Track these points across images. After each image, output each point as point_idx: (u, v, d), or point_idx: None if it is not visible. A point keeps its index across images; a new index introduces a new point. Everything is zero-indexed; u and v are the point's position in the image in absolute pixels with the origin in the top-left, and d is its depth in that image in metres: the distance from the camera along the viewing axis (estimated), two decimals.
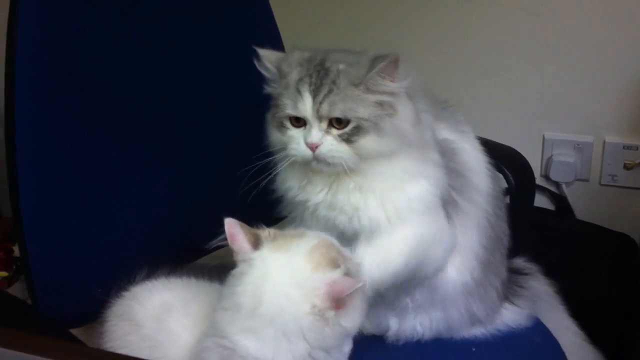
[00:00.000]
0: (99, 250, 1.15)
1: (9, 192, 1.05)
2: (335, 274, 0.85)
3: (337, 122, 0.96)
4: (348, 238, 1.01)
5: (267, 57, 1.02)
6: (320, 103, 0.94)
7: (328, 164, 0.97)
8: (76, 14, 1.13)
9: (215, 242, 1.07)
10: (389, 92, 0.96)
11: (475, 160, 1.12)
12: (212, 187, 1.29)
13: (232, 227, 0.90)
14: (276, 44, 1.39)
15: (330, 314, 0.83)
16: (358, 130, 0.95)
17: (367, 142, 0.95)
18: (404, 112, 0.98)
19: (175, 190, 1.27)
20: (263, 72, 1.02)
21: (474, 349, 1.16)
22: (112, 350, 0.99)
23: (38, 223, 1.07)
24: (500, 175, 1.31)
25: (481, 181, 1.11)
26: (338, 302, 0.83)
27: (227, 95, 1.32)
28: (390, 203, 0.99)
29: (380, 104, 0.96)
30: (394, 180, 0.99)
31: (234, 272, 0.90)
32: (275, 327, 0.83)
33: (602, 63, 1.74)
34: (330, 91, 0.94)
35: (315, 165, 0.98)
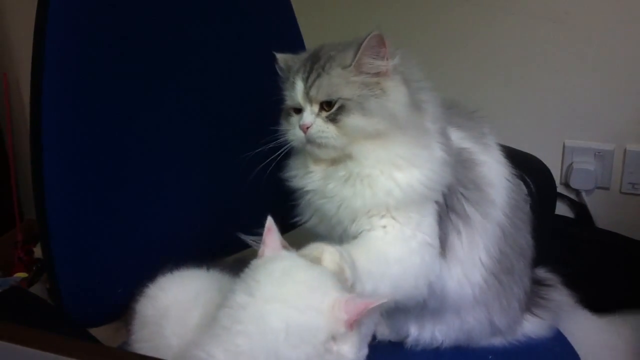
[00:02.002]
0: (122, 252, 1.16)
1: (33, 195, 1.07)
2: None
3: (327, 105, 1.00)
4: (333, 225, 1.04)
5: (281, 59, 1.09)
6: (310, 87, 1.00)
7: (319, 145, 1.01)
8: (104, 19, 1.14)
9: (247, 237, 1.11)
10: (376, 72, 1.00)
11: (495, 174, 1.11)
12: (234, 192, 1.30)
13: (272, 224, 0.93)
14: (299, 46, 1.40)
15: (341, 331, 0.82)
16: (342, 109, 0.99)
17: (351, 120, 0.98)
18: (394, 93, 1.01)
19: (197, 194, 1.28)
20: (280, 73, 1.09)
21: (490, 357, 1.16)
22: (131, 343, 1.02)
23: (63, 225, 1.08)
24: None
25: (499, 196, 1.10)
26: (354, 318, 0.82)
27: (253, 99, 1.33)
28: (373, 192, 1.00)
29: (366, 84, 0.99)
30: (384, 165, 1.00)
31: (256, 262, 0.90)
32: (283, 319, 0.80)
33: (623, 71, 1.73)
34: (318, 75, 1.00)
35: (309, 148, 1.02)
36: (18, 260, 2.21)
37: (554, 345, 1.21)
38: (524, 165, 1.33)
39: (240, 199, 1.28)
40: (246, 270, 0.90)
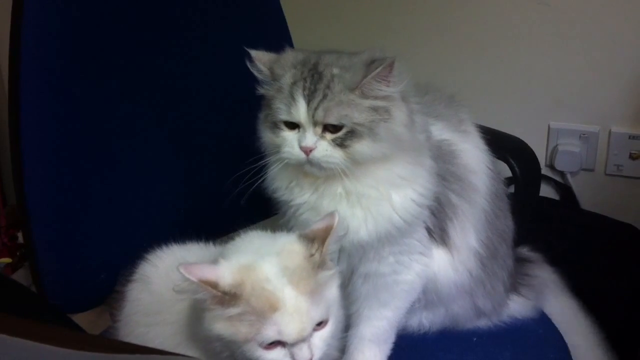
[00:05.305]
0: (103, 237, 1.15)
1: (13, 180, 1.06)
2: None
3: (331, 127, 0.95)
4: None
5: (260, 59, 1.00)
6: (315, 109, 0.94)
7: (321, 167, 0.96)
8: (86, 4, 1.12)
9: None
10: (384, 97, 0.95)
11: (475, 161, 1.10)
12: (216, 178, 1.29)
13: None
14: (286, 40, 1.39)
15: None
16: (352, 135, 0.94)
17: (362, 147, 0.94)
18: (399, 115, 0.97)
19: (180, 179, 1.28)
20: (256, 73, 1.00)
21: (474, 339, 1.17)
22: (126, 313, 1.03)
23: (44, 210, 1.08)
24: (506, 168, 1.31)
25: (481, 182, 1.10)
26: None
27: (234, 93, 1.32)
28: (373, 217, 0.99)
29: (375, 109, 0.95)
30: (384, 186, 0.98)
31: None
32: None
33: (609, 53, 1.73)
34: (324, 96, 0.94)
35: (308, 168, 0.97)
36: (2, 245, 2.19)
37: (538, 327, 1.22)
38: (508, 147, 1.34)
39: (223, 188, 1.27)
40: None
